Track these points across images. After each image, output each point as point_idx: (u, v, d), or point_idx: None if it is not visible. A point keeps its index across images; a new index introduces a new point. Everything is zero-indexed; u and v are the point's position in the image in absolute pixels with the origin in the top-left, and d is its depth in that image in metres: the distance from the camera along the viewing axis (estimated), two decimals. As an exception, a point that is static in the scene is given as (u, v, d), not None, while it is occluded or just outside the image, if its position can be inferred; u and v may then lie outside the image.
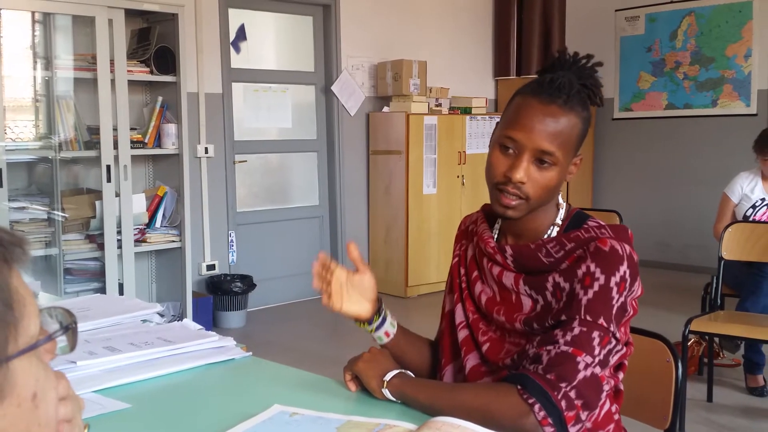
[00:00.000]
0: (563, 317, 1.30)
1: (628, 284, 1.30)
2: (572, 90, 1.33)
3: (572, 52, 1.42)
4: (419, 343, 1.59)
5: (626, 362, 1.44)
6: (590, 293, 1.28)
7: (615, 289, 1.29)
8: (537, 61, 7.03)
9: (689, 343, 3.73)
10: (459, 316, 1.50)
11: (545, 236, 1.40)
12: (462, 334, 1.49)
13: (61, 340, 0.69)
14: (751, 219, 4.07)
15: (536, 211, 1.40)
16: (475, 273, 1.49)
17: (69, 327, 0.68)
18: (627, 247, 1.32)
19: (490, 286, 1.45)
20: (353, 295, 1.50)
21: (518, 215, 1.38)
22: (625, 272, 1.30)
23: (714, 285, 3.73)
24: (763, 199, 4.13)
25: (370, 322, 1.50)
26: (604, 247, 1.30)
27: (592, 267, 1.29)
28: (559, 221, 1.42)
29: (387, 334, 1.51)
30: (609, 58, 7.20)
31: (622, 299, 1.30)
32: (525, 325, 1.37)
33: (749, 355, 3.76)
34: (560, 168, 1.35)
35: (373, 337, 1.52)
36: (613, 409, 1.43)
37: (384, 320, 1.51)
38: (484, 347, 1.44)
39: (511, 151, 1.35)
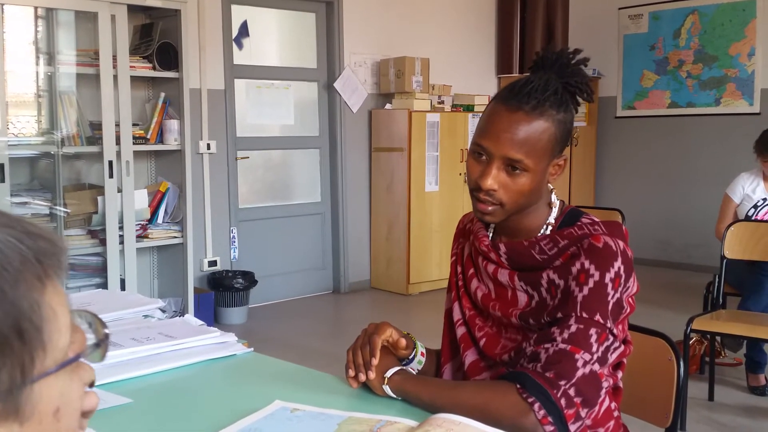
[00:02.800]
0: (559, 315, 1.30)
1: (623, 280, 1.30)
2: (545, 93, 1.32)
3: (558, 49, 1.41)
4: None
5: (625, 361, 1.44)
6: (585, 290, 1.28)
7: (610, 286, 1.29)
8: (540, 58, 7.02)
9: (691, 342, 3.73)
10: (456, 314, 1.51)
11: (539, 234, 1.40)
12: (460, 331, 1.49)
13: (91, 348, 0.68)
14: (753, 218, 4.07)
15: (527, 211, 1.40)
16: (471, 270, 1.49)
17: (99, 344, 0.67)
18: (621, 244, 1.32)
19: (485, 283, 1.46)
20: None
21: (496, 220, 1.39)
22: (619, 268, 1.29)
23: (716, 284, 3.73)
24: (764, 199, 4.12)
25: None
26: (598, 243, 1.30)
27: (587, 264, 1.29)
28: (552, 220, 1.41)
29: (412, 369, 1.50)
30: (612, 56, 7.19)
31: (617, 295, 1.30)
32: (521, 320, 1.37)
33: (751, 354, 3.76)
34: (533, 173, 1.34)
35: None
36: (613, 406, 1.43)
37: (410, 362, 1.50)
38: (481, 342, 1.44)
39: (483, 157, 1.36)
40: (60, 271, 0.62)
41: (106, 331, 0.69)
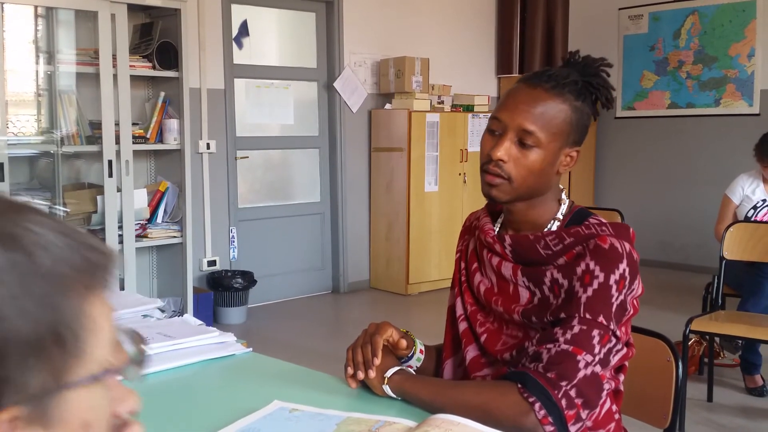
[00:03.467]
0: (562, 315, 1.30)
1: (627, 282, 1.30)
2: (566, 79, 1.36)
3: (584, 55, 1.44)
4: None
5: (627, 364, 1.44)
6: (590, 291, 1.28)
7: (614, 287, 1.29)
8: (540, 58, 7.02)
9: (690, 343, 3.73)
10: (458, 309, 1.52)
11: (545, 230, 1.41)
12: (462, 326, 1.50)
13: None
14: (752, 219, 4.07)
15: (533, 203, 1.41)
16: (475, 265, 1.50)
17: (137, 361, 0.66)
18: (627, 246, 1.31)
19: (488, 277, 1.46)
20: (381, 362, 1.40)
21: (503, 197, 1.39)
22: (624, 270, 1.29)
23: (715, 285, 3.73)
24: (764, 200, 4.12)
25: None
26: (604, 244, 1.30)
27: (592, 265, 1.29)
28: (560, 216, 1.42)
29: (410, 366, 1.50)
30: (612, 56, 7.19)
31: (621, 297, 1.30)
32: (523, 317, 1.37)
33: (745, 356, 3.76)
34: (545, 152, 1.36)
35: None
36: (614, 408, 1.43)
37: (409, 359, 1.50)
38: (482, 338, 1.44)
39: (497, 132, 1.39)
40: (108, 285, 0.62)
41: (145, 348, 0.68)
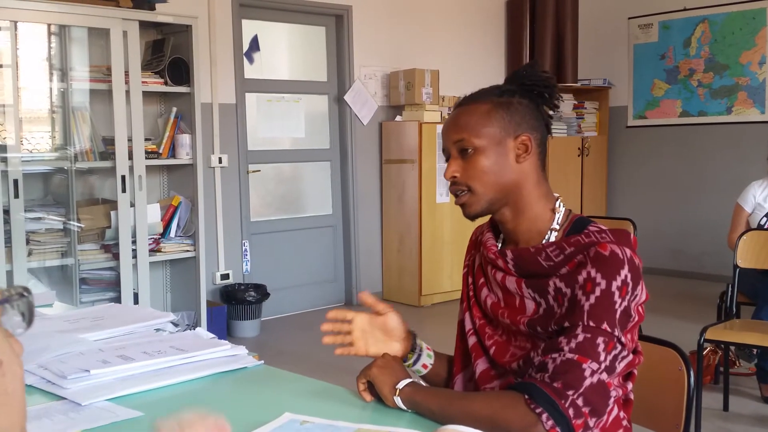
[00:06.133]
0: (566, 324, 1.30)
1: (630, 288, 1.30)
2: (483, 90, 1.45)
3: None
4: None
5: (635, 371, 1.43)
6: (592, 299, 1.28)
7: (617, 294, 1.28)
8: (549, 69, 7.02)
9: (705, 352, 3.71)
10: (467, 324, 1.52)
11: (545, 241, 1.41)
12: (471, 340, 1.50)
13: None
14: (765, 227, 4.05)
15: (520, 209, 1.43)
16: (482, 280, 1.51)
17: (10, 299, 0.69)
18: (628, 252, 1.31)
19: (494, 292, 1.47)
20: (378, 335, 1.54)
21: (476, 210, 1.44)
22: (626, 276, 1.29)
23: (729, 293, 3.71)
24: (777, 207, 4.10)
25: (405, 359, 1.54)
26: (604, 251, 1.30)
27: (593, 272, 1.29)
28: (556, 225, 1.42)
29: (425, 366, 1.53)
30: (622, 65, 7.19)
31: (625, 304, 1.30)
32: (529, 327, 1.37)
33: (762, 364, 3.73)
34: (487, 150, 1.41)
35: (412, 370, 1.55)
36: (621, 415, 1.43)
37: (420, 355, 1.53)
38: (491, 350, 1.45)
39: (447, 159, 1.47)
40: None
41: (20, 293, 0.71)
